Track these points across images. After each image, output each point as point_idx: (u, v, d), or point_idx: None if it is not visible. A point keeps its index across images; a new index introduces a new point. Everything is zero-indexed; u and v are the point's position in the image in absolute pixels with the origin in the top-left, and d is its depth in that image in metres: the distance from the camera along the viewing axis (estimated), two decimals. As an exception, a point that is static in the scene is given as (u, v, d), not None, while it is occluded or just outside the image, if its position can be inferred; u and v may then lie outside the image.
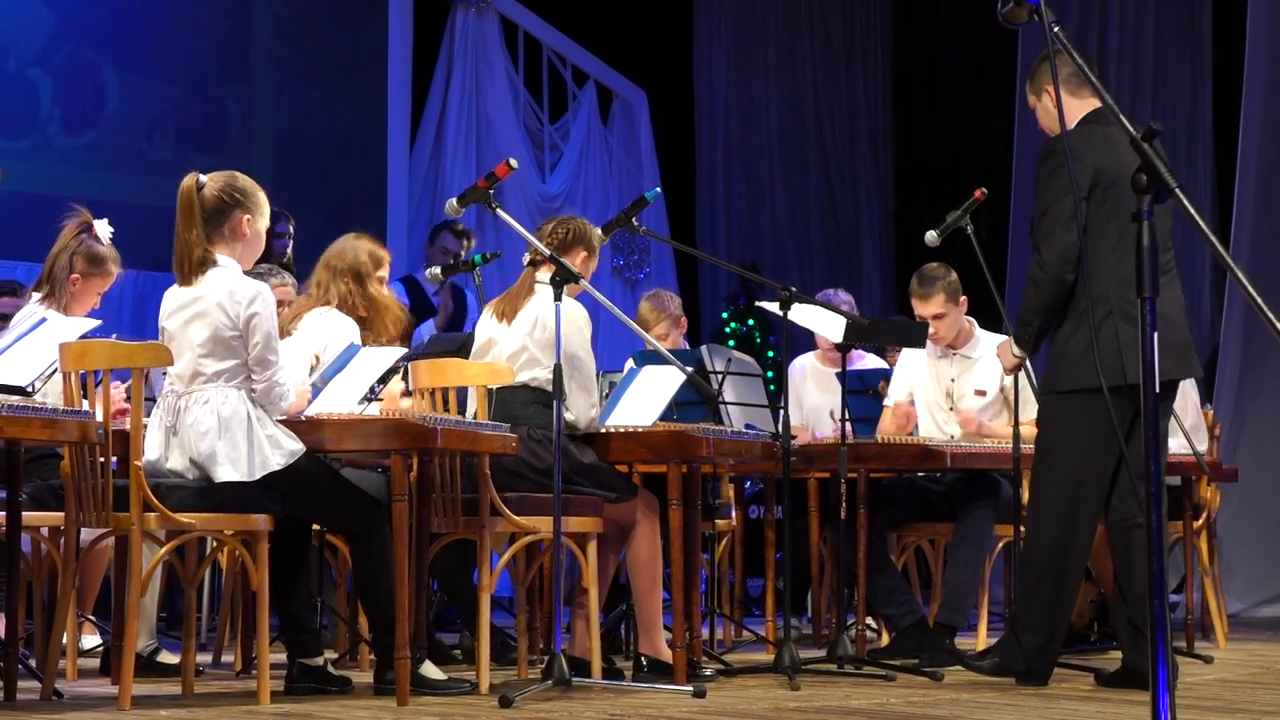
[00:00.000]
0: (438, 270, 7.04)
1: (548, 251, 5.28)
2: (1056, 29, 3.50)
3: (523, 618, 5.73)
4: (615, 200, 11.99)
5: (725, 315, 12.49)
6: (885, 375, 6.99)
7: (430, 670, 5.05)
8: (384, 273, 5.84)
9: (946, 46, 13.66)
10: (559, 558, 5.01)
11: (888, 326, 7.08)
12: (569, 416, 5.33)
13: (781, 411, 5.67)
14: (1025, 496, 5.64)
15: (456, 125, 11.53)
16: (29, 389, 4.88)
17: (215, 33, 10.42)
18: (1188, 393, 7.04)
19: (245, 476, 4.72)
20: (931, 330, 6.53)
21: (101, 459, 4.74)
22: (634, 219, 5.92)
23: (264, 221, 5.00)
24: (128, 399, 4.92)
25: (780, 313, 5.69)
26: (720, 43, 13.29)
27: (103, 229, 5.69)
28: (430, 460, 5.11)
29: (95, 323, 5.50)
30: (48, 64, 9.69)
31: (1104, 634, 7.02)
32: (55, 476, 5.15)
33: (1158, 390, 3.11)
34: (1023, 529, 5.49)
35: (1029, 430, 5.78)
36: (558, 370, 5.01)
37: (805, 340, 7.57)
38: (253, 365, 4.82)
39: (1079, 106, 5.33)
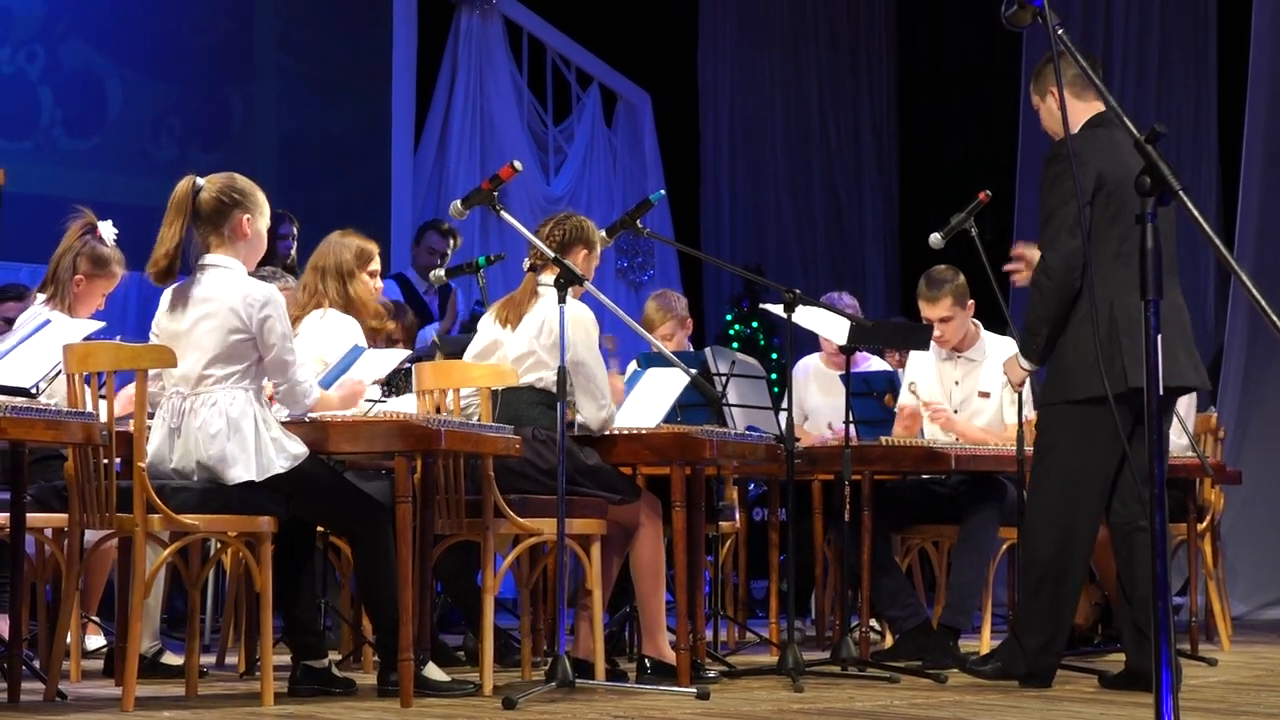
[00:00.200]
0: (441, 272, 7.04)
1: (551, 254, 5.27)
2: (1060, 31, 3.49)
3: (526, 619, 5.73)
4: (619, 202, 11.99)
5: (729, 317, 12.49)
6: (890, 378, 6.98)
7: (434, 672, 5.05)
8: (375, 266, 5.82)
9: (951, 48, 13.66)
10: (563, 559, 5.01)
11: (891, 329, 7.07)
12: (581, 420, 5.33)
13: (785, 413, 5.67)
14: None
15: (461, 127, 11.53)
16: (33, 390, 4.87)
17: (219, 34, 10.42)
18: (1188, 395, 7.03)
19: (254, 477, 4.73)
20: (938, 333, 6.52)
21: (105, 460, 4.74)
22: (638, 221, 5.92)
23: (264, 221, 5.00)
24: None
25: (784, 315, 5.69)
26: (724, 45, 13.28)
27: (107, 230, 5.69)
28: (434, 462, 5.11)
29: (99, 324, 5.49)
30: (50, 65, 9.69)
31: (1108, 636, 7.02)
32: (59, 478, 5.14)
33: (1160, 394, 3.11)
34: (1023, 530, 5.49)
35: (1011, 432, 5.77)
36: (562, 372, 5.00)
37: (809, 342, 7.56)
38: (272, 368, 4.83)
39: (1083, 109, 5.33)
